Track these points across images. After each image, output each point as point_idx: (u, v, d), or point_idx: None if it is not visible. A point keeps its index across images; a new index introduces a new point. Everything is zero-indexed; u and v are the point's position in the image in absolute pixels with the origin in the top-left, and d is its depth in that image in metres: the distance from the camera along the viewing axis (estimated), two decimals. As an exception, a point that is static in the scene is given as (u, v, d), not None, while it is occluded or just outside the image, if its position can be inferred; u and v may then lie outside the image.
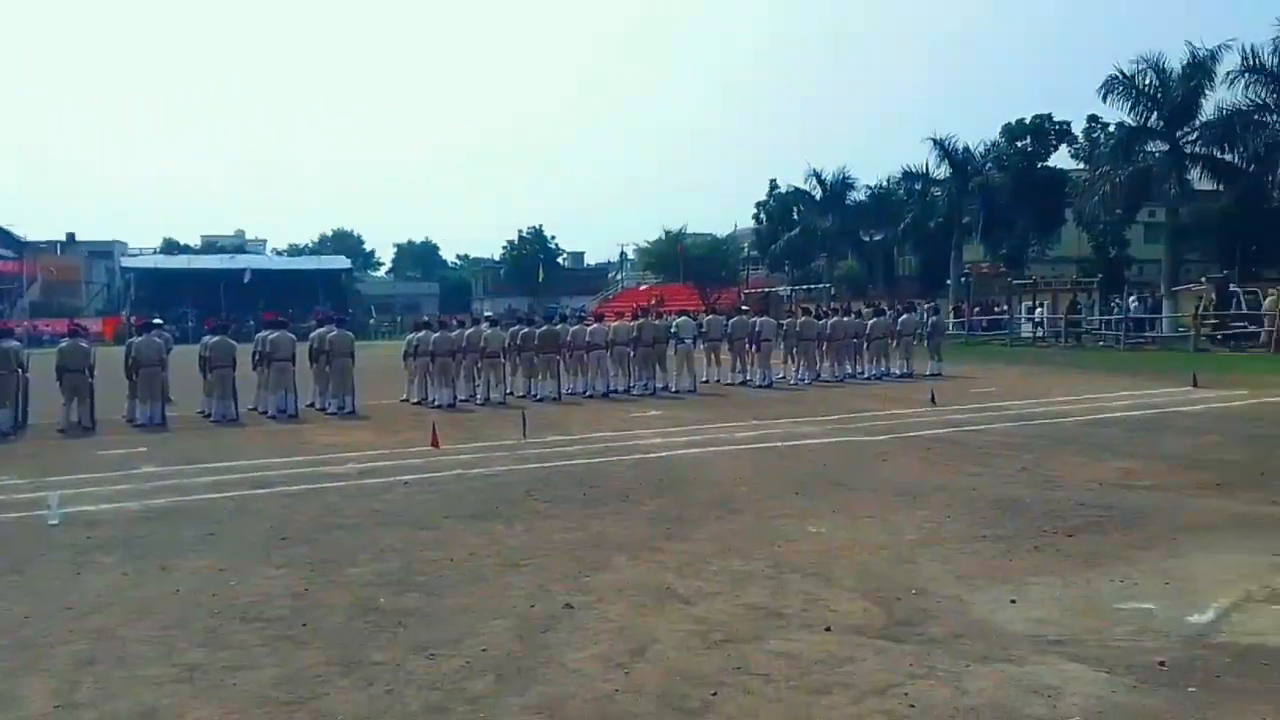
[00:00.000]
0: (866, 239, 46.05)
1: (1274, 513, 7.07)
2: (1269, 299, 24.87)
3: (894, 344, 20.45)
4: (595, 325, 18.26)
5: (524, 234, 72.11)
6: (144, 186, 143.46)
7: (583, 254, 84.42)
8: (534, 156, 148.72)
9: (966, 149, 39.28)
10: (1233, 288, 26.45)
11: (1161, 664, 4.18)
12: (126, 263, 67.88)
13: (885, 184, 44.70)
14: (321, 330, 16.18)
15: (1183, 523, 6.81)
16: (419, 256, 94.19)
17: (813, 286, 43.01)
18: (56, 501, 8.05)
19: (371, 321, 60.97)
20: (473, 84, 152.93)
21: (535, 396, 16.97)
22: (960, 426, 12.27)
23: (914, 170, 41.20)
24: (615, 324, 18.63)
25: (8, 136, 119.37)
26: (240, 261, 64.99)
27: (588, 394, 17.35)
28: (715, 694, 4.01)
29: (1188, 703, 3.81)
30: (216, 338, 15.21)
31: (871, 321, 20.40)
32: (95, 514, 8.00)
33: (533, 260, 68.31)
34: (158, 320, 18.42)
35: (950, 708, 3.82)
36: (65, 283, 65.30)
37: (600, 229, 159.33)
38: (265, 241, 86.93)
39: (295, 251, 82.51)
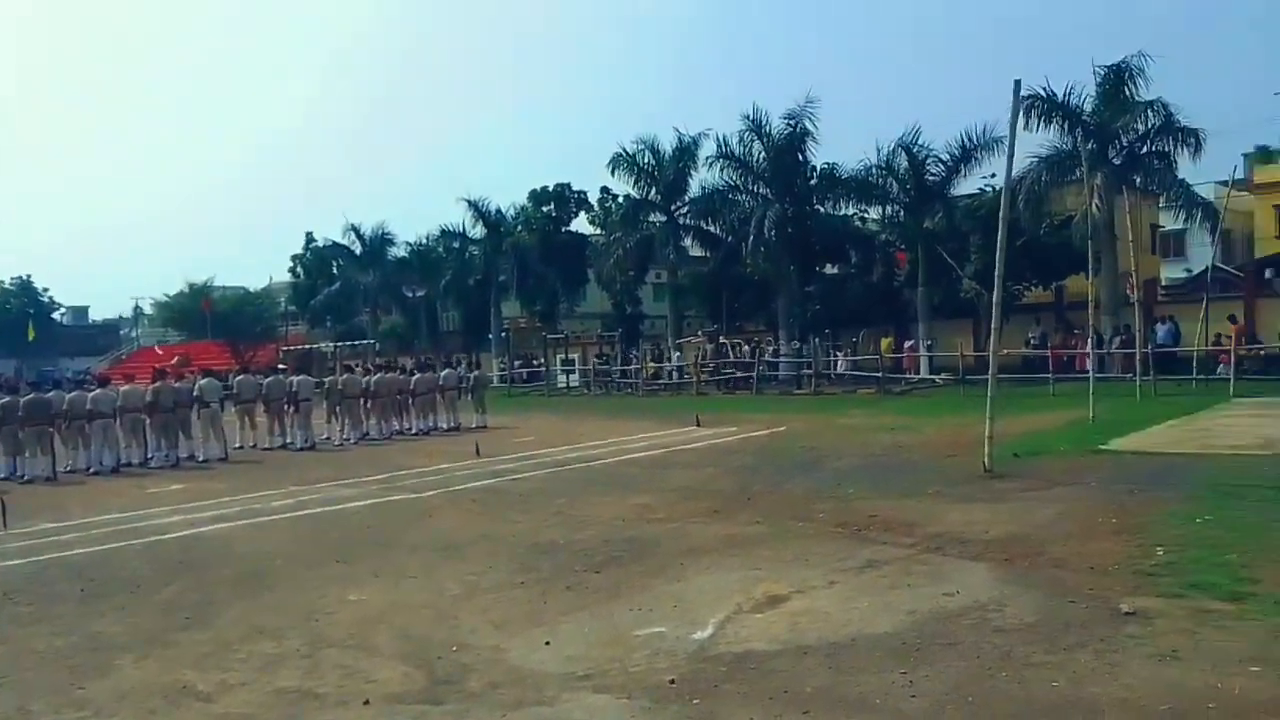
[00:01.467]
0: (409, 294, 46.17)
1: (757, 532, 8.31)
2: (748, 348, 29.74)
3: (440, 399, 20.71)
4: (99, 390, 15.99)
5: (7, 285, 61.04)
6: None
7: (86, 309, 73.46)
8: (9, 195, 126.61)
9: (499, 210, 41.41)
10: (723, 339, 31.04)
11: (672, 682, 4.67)
12: None
13: (425, 240, 45.28)
14: None
15: (688, 547, 7.73)
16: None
17: (357, 342, 41.89)
18: None
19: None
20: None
21: (21, 477, 14.36)
22: (503, 476, 12.74)
23: (452, 229, 42.37)
24: (126, 388, 16.48)
25: None
26: None
27: (91, 470, 15.09)
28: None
29: (694, 715, 4.30)
30: None
31: (416, 377, 20.47)
32: None
33: (20, 316, 57.99)
34: None
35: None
36: None
37: (108, 280, 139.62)
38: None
39: None
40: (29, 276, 61.95)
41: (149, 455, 15.96)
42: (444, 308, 47.24)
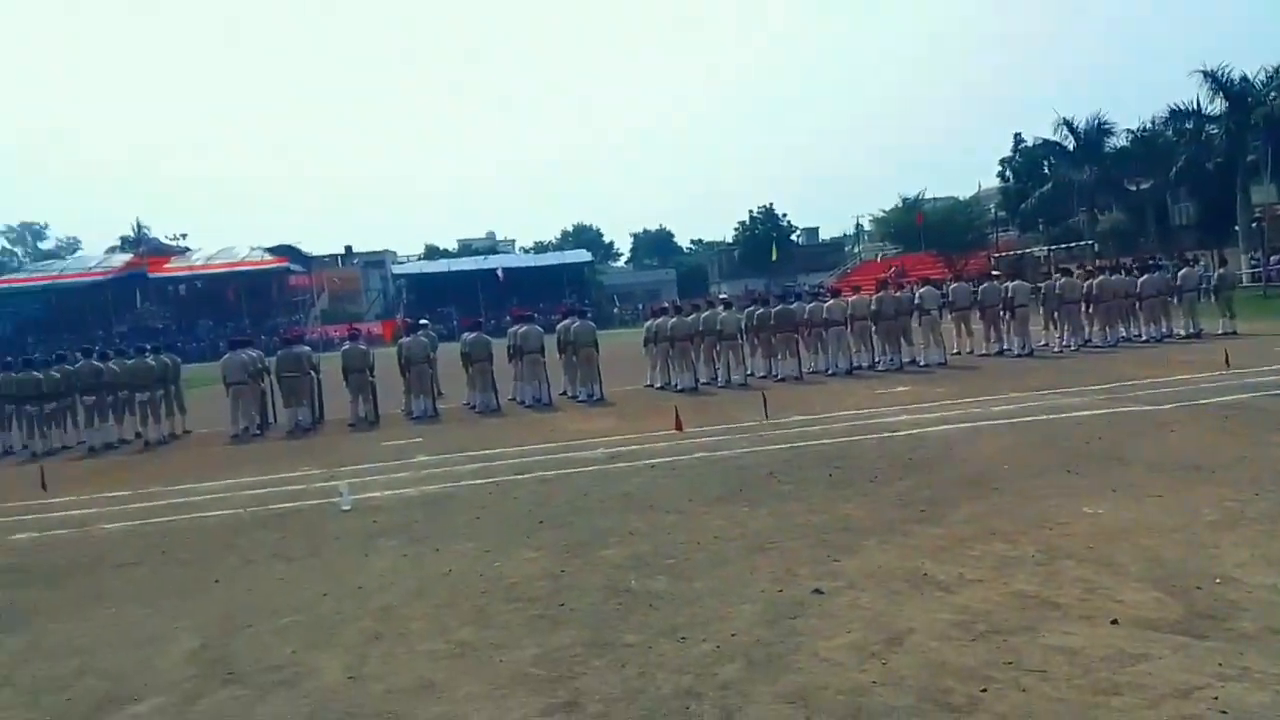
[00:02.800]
0: (1132, 188, 41.71)
1: None
2: None
3: (1175, 301, 18.41)
4: (832, 301, 17.79)
5: (755, 214, 71.76)
6: (409, 198, 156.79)
7: (816, 229, 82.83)
8: (756, 135, 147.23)
9: (1244, 79, 34.58)
10: None
11: None
12: (396, 270, 74.60)
13: (1149, 126, 40.27)
14: (566, 322, 16.88)
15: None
16: (655, 244, 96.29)
17: (1072, 245, 39.50)
18: (347, 490, 8.91)
19: (615, 311, 63.18)
20: (682, 67, 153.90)
21: (776, 377, 16.81)
22: (1262, 391, 10.80)
23: (1182, 108, 36.83)
24: (853, 299, 18.05)
25: (294, 168, 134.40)
26: (493, 261, 69.38)
27: (830, 372, 16.96)
28: (984, 690, 3.72)
29: None
30: (474, 334, 16.29)
31: (1144, 279, 18.45)
32: (379, 500, 8.78)
33: (765, 240, 67.85)
34: (424, 321, 19.99)
35: (1271, 716, 3.31)
36: (347, 292, 72.70)
37: (833, 202, 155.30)
38: (514, 241, 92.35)
39: (541, 248, 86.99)
40: (771, 204, 71.99)
41: (875, 359, 17.32)
42: (1174, 199, 41.71)
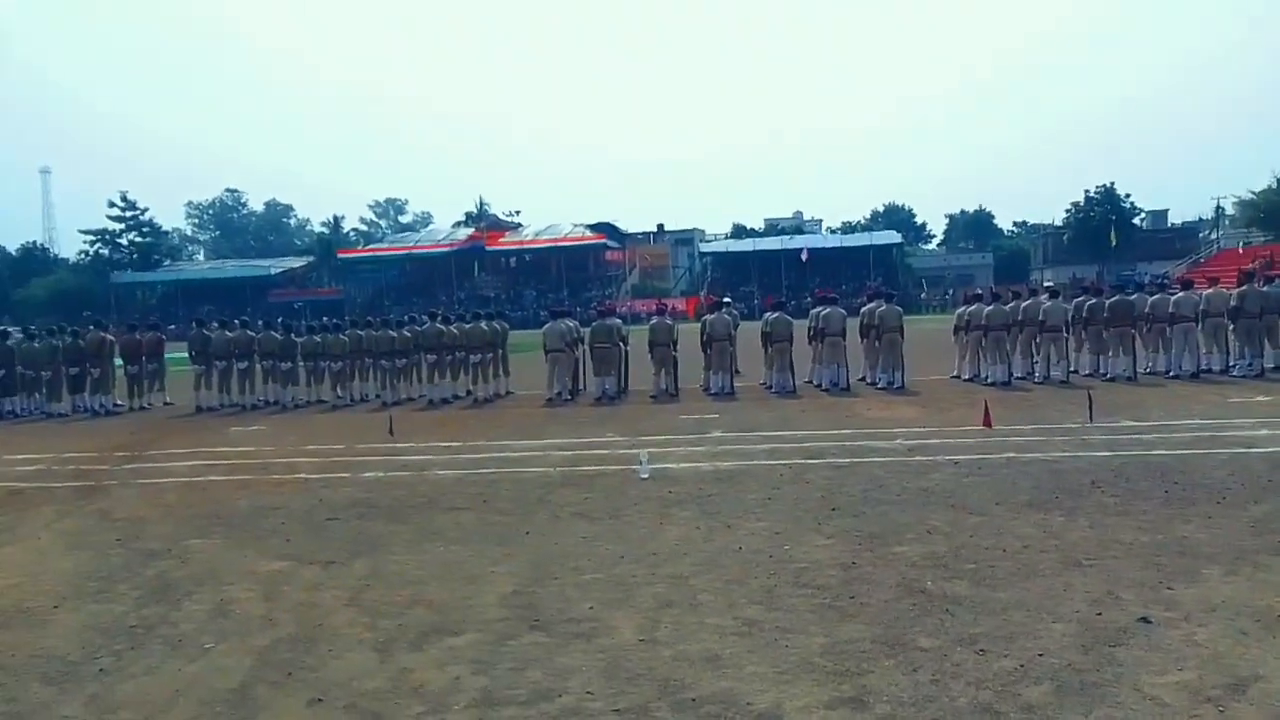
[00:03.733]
0: None
1: None
2: None
3: None
4: (1182, 294, 15.78)
5: (1092, 194, 65.35)
6: (715, 179, 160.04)
7: (1165, 212, 73.91)
8: (1088, 98, 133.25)
9: None
10: None
11: None
12: (703, 248, 76.57)
13: None
14: (871, 305, 16.39)
15: None
16: (972, 226, 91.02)
17: None
18: (646, 459, 9.28)
19: (922, 295, 60.62)
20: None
21: (1104, 376, 15.25)
22: None
23: None
24: (1208, 291, 15.89)
25: (609, 152, 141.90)
26: (798, 241, 69.07)
27: (1171, 374, 15.09)
28: (1357, 764, 3.13)
29: None
30: (775, 314, 16.30)
31: None
32: (675, 471, 9.07)
33: (1102, 223, 61.65)
34: (727, 299, 20.32)
35: None
36: (656, 268, 75.80)
37: (1188, 181, 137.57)
38: (820, 221, 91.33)
39: (848, 229, 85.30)
40: (1112, 184, 65.16)
41: (1230, 363, 15.17)
42: None
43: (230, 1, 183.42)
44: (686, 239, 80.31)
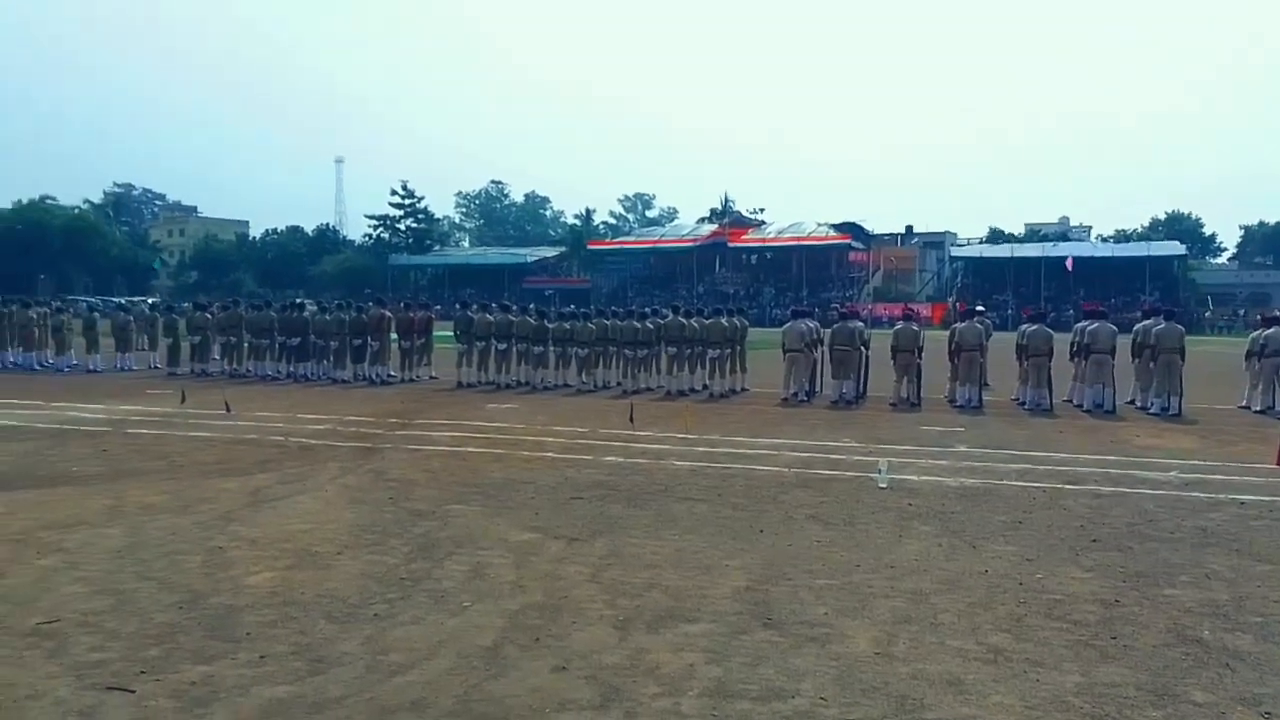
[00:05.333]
0: None
1: None
2: None
3: None
4: None
5: None
6: (970, 183, 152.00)
7: None
8: None
9: None
10: None
11: None
12: (955, 252, 73.08)
13: None
14: (1147, 323, 14.98)
15: None
16: (1272, 240, 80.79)
17: None
18: (885, 468, 9.02)
19: (1206, 314, 54.74)
20: None
21: None
22: None
23: None
24: None
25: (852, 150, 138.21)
26: (1062, 249, 64.32)
27: None
28: None
29: None
30: (1034, 326, 15.29)
31: None
32: (916, 484, 8.74)
33: None
34: (980, 307, 19.29)
35: None
36: (901, 271, 73.24)
37: None
38: (1090, 228, 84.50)
39: (1122, 238, 78.31)
40: None
41: None
42: None
43: (501, 29, 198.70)
44: (936, 242, 76.98)
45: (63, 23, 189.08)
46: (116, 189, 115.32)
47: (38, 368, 21.52)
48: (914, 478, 9.01)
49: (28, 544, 6.41)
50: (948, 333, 16.46)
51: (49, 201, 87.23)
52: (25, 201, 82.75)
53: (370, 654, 4.48)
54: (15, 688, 4.05)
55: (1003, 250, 68.04)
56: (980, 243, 76.82)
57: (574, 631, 4.80)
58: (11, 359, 21.93)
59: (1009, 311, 45.66)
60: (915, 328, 16.04)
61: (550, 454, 10.30)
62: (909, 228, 79.25)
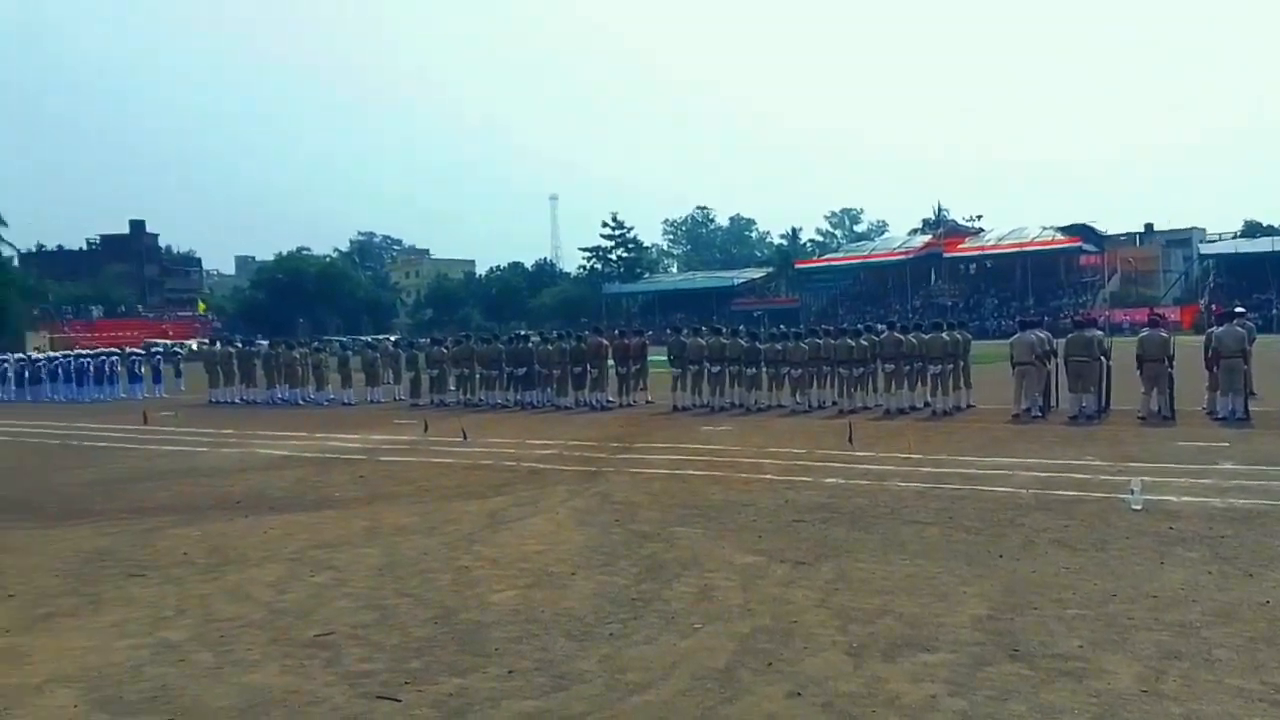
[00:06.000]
0: None
1: None
2: None
3: None
4: None
5: None
6: (1216, 174, 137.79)
7: None
8: None
9: None
10: None
11: None
12: (1204, 249, 66.28)
13: None
14: None
15: None
16: None
17: None
18: (1139, 488, 8.30)
19: None
20: None
21: None
22: None
23: None
24: None
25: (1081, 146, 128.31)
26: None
27: None
28: None
29: None
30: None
31: None
32: (1175, 505, 7.97)
33: None
34: (1239, 308, 17.38)
35: None
36: (1142, 273, 67.32)
37: None
38: (1368, 214, 74.20)
39: None
40: None
41: None
42: None
43: (713, 76, 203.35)
44: (1182, 239, 70.16)
45: (302, 104, 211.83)
46: (360, 237, 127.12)
47: (301, 402, 23.93)
48: (1173, 498, 8.23)
49: (302, 562, 7.11)
50: (1203, 338, 14.96)
51: (304, 252, 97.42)
52: (285, 253, 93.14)
53: (608, 672, 4.62)
54: (300, 694, 4.49)
55: (1262, 245, 61.02)
56: (1234, 237, 69.29)
57: (806, 657, 4.74)
58: (280, 394, 24.51)
59: (1273, 312, 40.85)
60: (1163, 334, 14.69)
61: (769, 476, 10.25)
62: (1149, 226, 72.76)
